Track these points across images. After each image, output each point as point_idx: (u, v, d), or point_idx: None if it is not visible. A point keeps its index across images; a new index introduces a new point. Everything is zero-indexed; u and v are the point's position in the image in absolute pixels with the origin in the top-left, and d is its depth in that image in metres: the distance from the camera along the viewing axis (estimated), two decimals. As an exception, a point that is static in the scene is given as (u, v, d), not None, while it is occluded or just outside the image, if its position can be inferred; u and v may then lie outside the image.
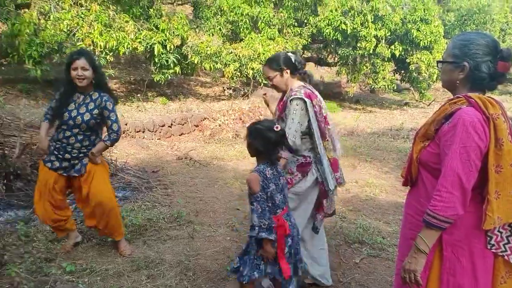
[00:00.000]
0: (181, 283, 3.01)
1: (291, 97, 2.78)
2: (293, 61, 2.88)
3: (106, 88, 3.24)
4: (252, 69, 10.41)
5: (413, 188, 1.84)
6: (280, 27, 12.17)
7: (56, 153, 3.14)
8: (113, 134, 3.19)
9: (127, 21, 8.82)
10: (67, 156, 3.14)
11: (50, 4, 8.35)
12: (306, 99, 2.76)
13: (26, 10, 8.17)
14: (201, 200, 4.85)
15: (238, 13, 11.41)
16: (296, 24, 12.82)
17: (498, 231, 1.65)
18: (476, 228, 1.63)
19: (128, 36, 8.57)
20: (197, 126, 8.71)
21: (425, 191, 1.72)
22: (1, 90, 8.18)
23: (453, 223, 1.58)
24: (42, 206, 3.19)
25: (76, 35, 8.17)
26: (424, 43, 12.45)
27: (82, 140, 3.14)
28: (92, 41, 8.14)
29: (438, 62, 1.83)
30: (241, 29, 11.56)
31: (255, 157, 2.45)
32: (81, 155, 3.17)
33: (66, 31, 8.15)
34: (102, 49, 8.30)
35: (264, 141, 2.29)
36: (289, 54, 2.94)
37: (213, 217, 4.36)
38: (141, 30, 9.00)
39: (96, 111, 3.11)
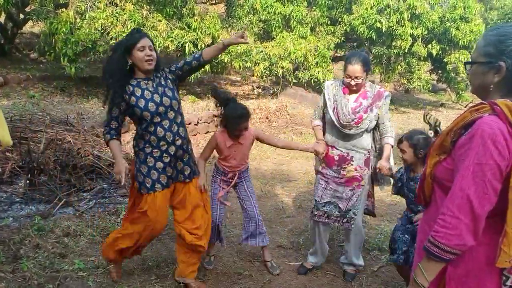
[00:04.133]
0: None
1: (386, 93, 2.98)
2: (370, 62, 3.08)
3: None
4: (282, 67, 10.31)
5: (427, 208, 1.59)
6: (312, 25, 12.00)
7: (167, 159, 2.61)
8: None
9: (160, 20, 8.95)
10: (179, 152, 2.65)
11: (87, 4, 8.61)
12: None
13: (64, 9, 8.45)
14: (220, 200, 4.83)
15: (271, 12, 11.36)
16: (329, 22, 12.61)
17: None
18: (489, 263, 1.35)
19: (160, 35, 8.71)
20: (223, 124, 8.71)
21: (436, 212, 1.44)
22: (38, 87, 8.52)
23: (461, 255, 1.33)
24: None
25: (110, 34, 8.39)
26: (464, 42, 11.91)
27: (181, 121, 2.67)
28: (125, 40, 8.32)
29: (466, 63, 1.50)
30: (273, 28, 11.50)
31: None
32: (186, 146, 2.71)
33: (100, 30, 8.37)
34: (133, 48, 8.48)
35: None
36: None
37: (229, 217, 4.33)
38: (173, 29, 9.10)
39: (170, 82, 2.66)
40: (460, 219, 1.28)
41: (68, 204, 4.10)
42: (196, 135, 8.14)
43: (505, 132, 1.26)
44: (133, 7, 8.64)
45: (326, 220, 3.13)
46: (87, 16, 8.37)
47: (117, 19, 8.41)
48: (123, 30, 8.31)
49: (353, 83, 2.86)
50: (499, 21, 15.75)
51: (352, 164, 2.99)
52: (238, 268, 3.28)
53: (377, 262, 3.53)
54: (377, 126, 3.03)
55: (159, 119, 2.54)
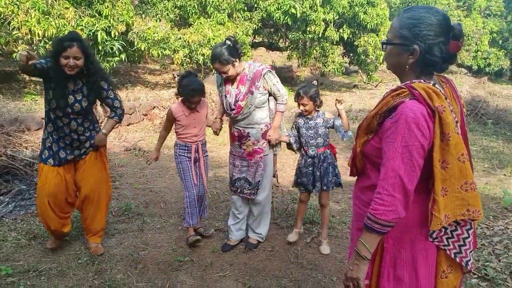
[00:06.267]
0: (129, 277, 2.94)
1: (265, 70, 3.10)
2: (237, 48, 3.06)
3: (100, 76, 3.04)
4: (203, 55, 10.20)
5: (359, 178, 1.76)
6: (229, 11, 11.98)
7: (63, 145, 3.01)
8: (118, 110, 3.17)
9: (67, 8, 8.36)
10: (76, 144, 3.04)
11: (-19, -9, 7.76)
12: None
13: (-47, -3, 7.52)
14: (151, 191, 4.75)
15: (186, -2, 11.12)
16: (245, 8, 12.68)
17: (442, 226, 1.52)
18: (418, 219, 1.53)
19: (69, 23, 8.16)
20: (146, 115, 8.47)
21: (369, 182, 1.63)
22: None
23: None
24: (52, 216, 3.07)
25: (12, 23, 7.67)
26: (371, 25, 12.71)
27: (83, 121, 3.03)
28: (30, 30, 7.68)
29: (383, 43, 1.59)
30: (190, 14, 11.29)
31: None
32: (84, 137, 3.07)
33: (-1, 19, 7.63)
34: (40, 38, 7.87)
35: None
36: (228, 42, 3.05)
37: (164, 207, 4.29)
38: (83, 16, 8.58)
39: (92, 95, 3.01)
40: (395, 196, 1.42)
41: (-16, 210, 3.76)
42: (117, 127, 7.84)
43: (425, 114, 1.41)
44: (37, -6, 7.96)
45: (240, 195, 3.38)
46: (-18, 4, 7.55)
47: (18, 8, 7.71)
48: (26, 19, 7.66)
49: (224, 76, 3.12)
50: (401, 5, 17.03)
51: (249, 139, 3.24)
52: (178, 255, 3.28)
53: (309, 234, 3.73)
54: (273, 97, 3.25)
55: (60, 114, 2.92)
